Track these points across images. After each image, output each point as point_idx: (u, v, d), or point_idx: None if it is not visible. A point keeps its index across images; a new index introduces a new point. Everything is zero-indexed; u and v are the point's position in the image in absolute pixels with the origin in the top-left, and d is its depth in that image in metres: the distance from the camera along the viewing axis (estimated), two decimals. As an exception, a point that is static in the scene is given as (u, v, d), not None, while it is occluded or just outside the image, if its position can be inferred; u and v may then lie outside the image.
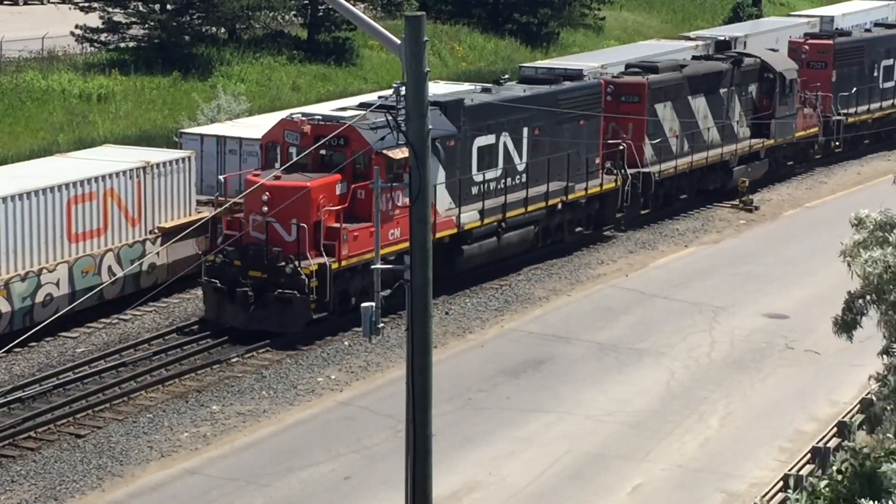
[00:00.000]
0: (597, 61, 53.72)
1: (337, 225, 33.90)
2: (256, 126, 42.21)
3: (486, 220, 38.47)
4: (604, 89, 44.04)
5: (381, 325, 18.58)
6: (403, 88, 16.92)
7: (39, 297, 33.28)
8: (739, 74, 49.99)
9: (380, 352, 33.52)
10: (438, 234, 36.28)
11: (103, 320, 35.13)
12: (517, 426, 29.35)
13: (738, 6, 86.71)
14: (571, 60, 55.19)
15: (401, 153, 33.96)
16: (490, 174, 38.79)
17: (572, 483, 26.83)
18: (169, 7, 59.06)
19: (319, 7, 64.60)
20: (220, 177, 37.94)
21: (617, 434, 29.14)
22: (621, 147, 44.01)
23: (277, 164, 35.24)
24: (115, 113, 53.24)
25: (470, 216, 37.93)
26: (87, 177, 34.83)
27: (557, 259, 41.49)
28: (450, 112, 37.34)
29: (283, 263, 33.45)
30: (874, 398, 16.19)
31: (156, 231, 36.46)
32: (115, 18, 59.26)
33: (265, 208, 33.52)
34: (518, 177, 39.76)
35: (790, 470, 24.76)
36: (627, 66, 48.52)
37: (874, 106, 58.29)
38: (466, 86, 48.89)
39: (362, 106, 37.57)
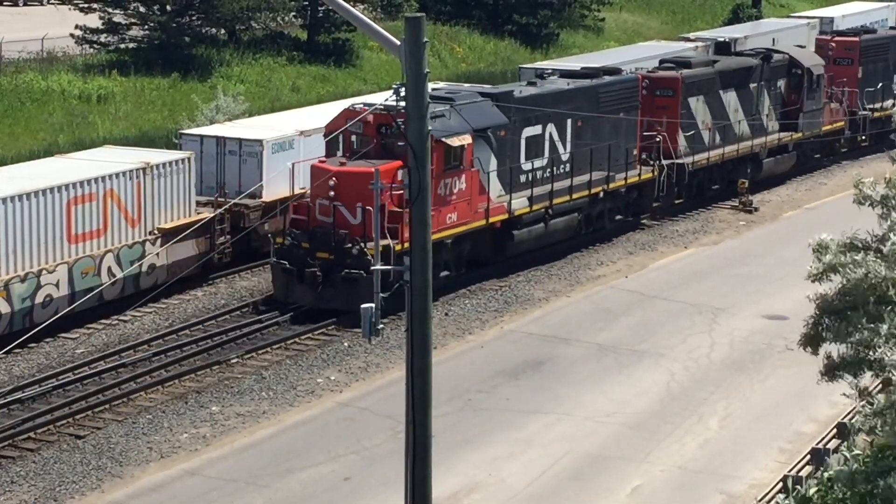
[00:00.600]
0: (597, 62, 53.71)
1: (399, 209, 35.07)
2: (256, 127, 42.27)
3: (535, 207, 40.24)
4: (640, 84, 45.60)
5: (381, 326, 18.57)
6: (403, 89, 16.91)
7: (39, 298, 33.28)
8: (769, 70, 51.73)
9: (379, 353, 33.52)
10: (492, 219, 38.59)
11: (103, 321, 35.13)
12: (517, 427, 29.35)
13: (738, 7, 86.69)
14: (571, 61, 55.17)
15: (458, 140, 36.63)
16: (537, 163, 40.58)
17: (572, 484, 26.83)
18: (169, 8, 59.05)
19: (319, 8, 64.59)
20: (288, 164, 38.56)
21: (616, 435, 29.14)
22: (657, 139, 45.68)
23: (339, 152, 36.84)
24: (115, 114, 53.23)
25: (520, 202, 39.74)
26: (87, 178, 34.83)
27: (557, 260, 41.51)
28: (501, 102, 39.29)
29: (350, 245, 35.00)
30: (855, 424, 16.06)
31: (155, 232, 36.46)
32: (115, 19, 59.22)
33: (332, 193, 35.10)
34: (562, 166, 41.51)
35: (789, 471, 24.78)
36: (661, 61, 50.46)
37: None
38: (466, 86, 49.36)
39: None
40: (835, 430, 26.61)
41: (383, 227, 34.48)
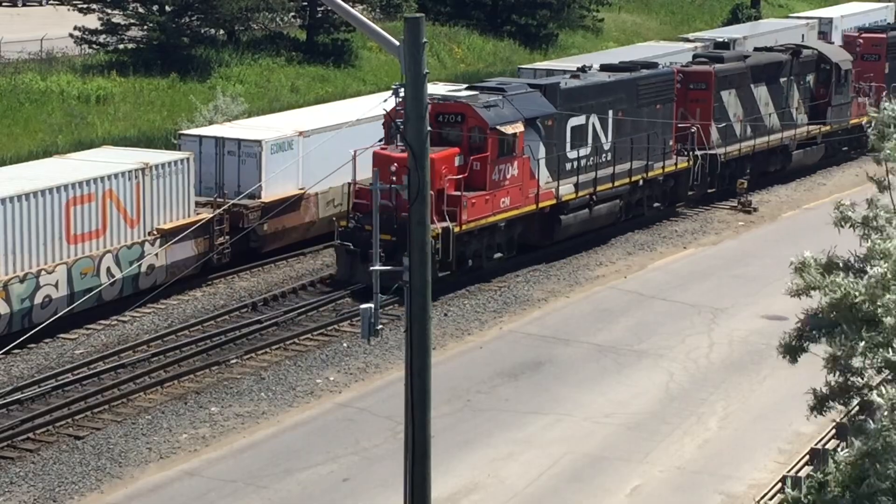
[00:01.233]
0: (595, 62, 53.73)
1: (457, 193, 37.45)
2: (255, 127, 42.27)
3: (580, 193, 42.20)
4: (675, 77, 47.39)
5: (380, 326, 18.56)
6: (402, 90, 16.89)
7: (38, 299, 33.27)
8: (798, 65, 53.54)
9: (378, 353, 33.52)
10: (541, 204, 40.61)
11: (102, 322, 35.13)
12: (516, 428, 29.35)
13: (737, 8, 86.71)
14: (571, 62, 55.21)
15: (512, 129, 38.73)
16: (581, 151, 42.45)
17: (571, 485, 26.83)
18: (168, 9, 59.04)
19: (318, 8, 64.59)
20: (351, 150, 38.67)
21: (615, 436, 29.14)
22: (692, 130, 47.45)
23: (397, 140, 37.49)
24: (114, 114, 53.23)
25: (566, 189, 41.65)
26: (86, 178, 34.83)
27: (556, 261, 41.51)
28: (548, 94, 41.17)
29: None
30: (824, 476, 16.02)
31: (155, 232, 36.46)
32: (114, 20, 59.19)
33: (393, 178, 36.10)
34: (605, 155, 43.41)
35: (789, 471, 24.76)
36: (695, 56, 52.77)
37: None
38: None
39: (472, 87, 42.03)
40: (834, 431, 26.58)
41: (442, 211, 36.72)
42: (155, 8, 59.07)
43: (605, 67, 46.50)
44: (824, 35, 69.08)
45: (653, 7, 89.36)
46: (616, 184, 43.64)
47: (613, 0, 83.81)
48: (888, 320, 15.53)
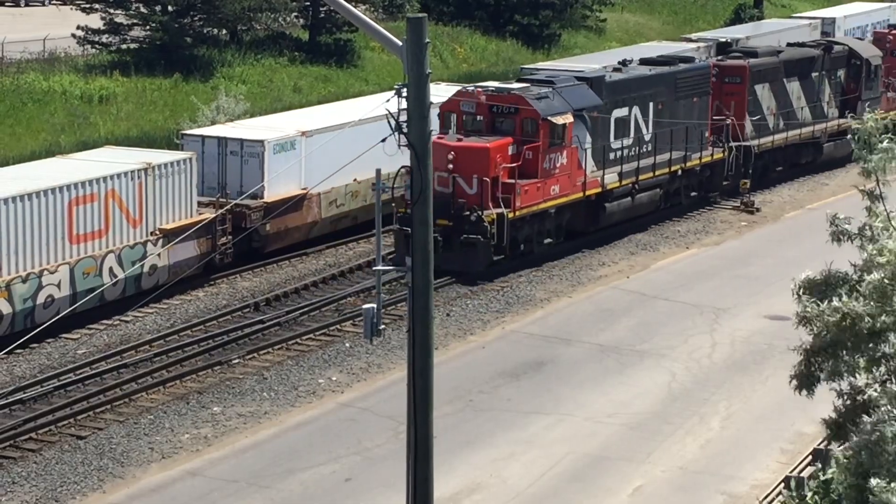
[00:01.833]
0: (598, 63, 53.73)
1: (511, 180, 39.32)
2: (257, 127, 42.26)
3: (624, 182, 44.01)
4: (711, 71, 49.13)
5: (382, 326, 18.55)
6: (405, 90, 16.88)
7: (41, 299, 33.28)
8: (829, 60, 55.12)
9: (381, 353, 33.51)
10: (588, 192, 42.44)
11: (104, 322, 35.14)
12: (518, 428, 29.34)
13: (740, 8, 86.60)
14: (573, 62, 55.22)
15: (562, 119, 40.56)
16: (624, 142, 44.14)
17: (573, 485, 26.83)
18: (170, 8, 59.05)
19: (321, 9, 64.59)
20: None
21: (618, 436, 29.13)
22: (727, 122, 48.82)
23: (452, 130, 40.20)
24: (117, 114, 53.25)
25: (611, 177, 43.43)
26: (89, 178, 34.84)
27: (558, 261, 41.51)
28: (594, 86, 42.96)
29: (468, 213, 38.38)
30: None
31: (157, 232, 36.47)
32: (117, 20, 59.22)
33: (450, 166, 38.45)
34: (645, 145, 45.04)
35: (791, 472, 24.76)
36: (729, 50, 54.17)
37: None
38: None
39: (522, 80, 43.88)
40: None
41: (497, 197, 38.64)
42: (158, 8, 59.07)
43: (644, 61, 47.82)
44: (826, 35, 69.00)
45: (655, 7, 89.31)
46: (657, 173, 45.41)
47: (616, 0, 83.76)
48: (892, 336, 15.60)
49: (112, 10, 59.30)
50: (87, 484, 26.67)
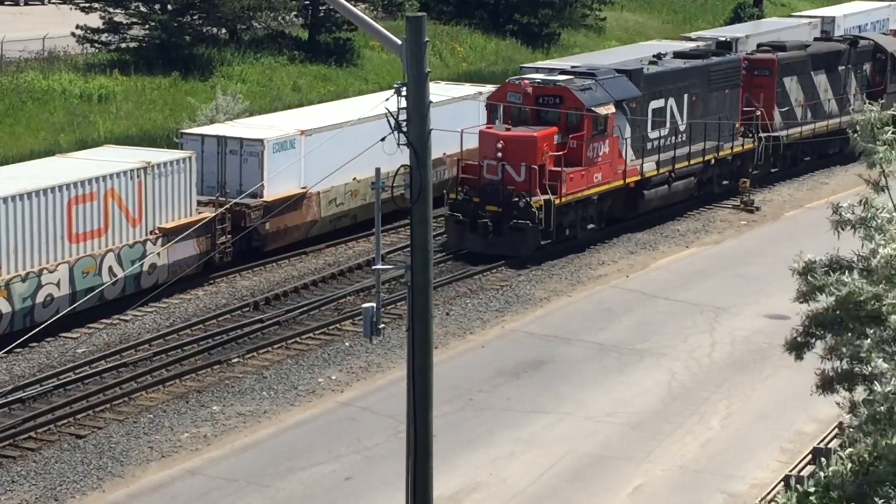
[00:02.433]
0: (598, 62, 53.72)
1: (557, 168, 41.03)
2: (257, 126, 42.24)
3: (661, 170, 45.70)
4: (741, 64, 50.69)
5: (382, 325, 18.54)
6: (404, 89, 16.86)
7: (40, 298, 33.27)
8: (855, 54, 56.67)
9: (380, 352, 33.50)
10: (628, 180, 43.99)
11: (104, 321, 35.13)
12: (518, 427, 29.34)
13: (740, 7, 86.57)
14: (572, 61, 55.19)
15: (604, 110, 42.12)
16: (661, 132, 45.82)
17: (573, 484, 26.82)
18: (170, 7, 59.03)
19: (320, 7, 64.58)
20: (459, 129, 41.20)
21: (618, 435, 29.12)
22: (757, 114, 50.26)
23: (499, 120, 41.83)
24: (116, 113, 53.23)
25: (649, 166, 45.19)
26: (88, 177, 34.82)
27: (558, 259, 41.52)
28: (633, 78, 44.41)
29: (517, 199, 40.07)
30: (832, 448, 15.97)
31: (156, 231, 36.45)
32: (116, 19, 59.20)
33: (499, 154, 40.29)
34: (680, 135, 46.70)
35: (791, 471, 24.75)
36: (759, 44, 55.70)
37: None
38: (467, 86, 49.77)
39: (565, 72, 45.10)
40: (836, 430, 26.56)
41: (544, 184, 40.34)
42: (157, 7, 59.05)
43: (678, 55, 49.42)
44: (826, 34, 69.00)
45: (655, 6, 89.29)
46: (691, 162, 47.04)
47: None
48: (893, 318, 15.53)
49: (111, 9, 59.28)
50: (86, 483, 26.66)
